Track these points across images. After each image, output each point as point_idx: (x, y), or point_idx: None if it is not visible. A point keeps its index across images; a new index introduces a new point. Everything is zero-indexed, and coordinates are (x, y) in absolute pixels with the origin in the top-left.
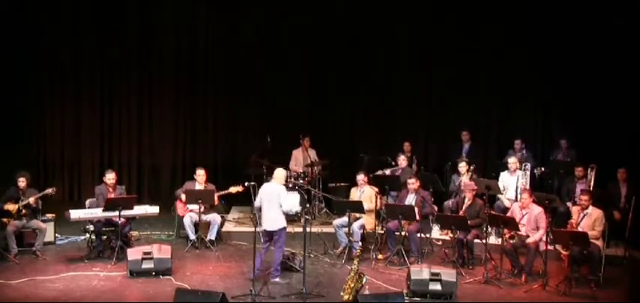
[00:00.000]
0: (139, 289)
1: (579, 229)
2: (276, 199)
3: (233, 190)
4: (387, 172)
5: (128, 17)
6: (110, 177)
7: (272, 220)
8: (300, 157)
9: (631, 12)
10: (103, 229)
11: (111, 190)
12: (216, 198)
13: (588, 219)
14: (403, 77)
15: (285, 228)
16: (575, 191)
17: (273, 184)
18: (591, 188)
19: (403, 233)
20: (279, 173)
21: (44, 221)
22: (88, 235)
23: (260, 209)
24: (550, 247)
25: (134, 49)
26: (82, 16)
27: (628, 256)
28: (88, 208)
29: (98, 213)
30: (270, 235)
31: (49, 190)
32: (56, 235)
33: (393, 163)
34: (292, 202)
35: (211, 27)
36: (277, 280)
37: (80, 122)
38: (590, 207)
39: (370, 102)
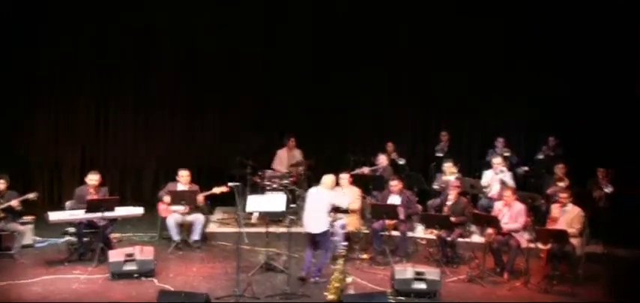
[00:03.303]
0: (122, 291)
1: (558, 225)
2: (319, 204)
3: (217, 190)
4: (366, 170)
5: (121, 19)
6: (92, 178)
7: (313, 223)
8: (285, 157)
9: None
10: (85, 230)
11: (92, 191)
12: (201, 198)
13: (567, 216)
14: (389, 78)
15: (327, 231)
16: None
17: (319, 189)
18: None
19: (388, 233)
20: (327, 179)
21: (23, 224)
22: (68, 238)
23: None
24: (531, 245)
25: (116, 52)
26: (59, 19)
27: (607, 253)
28: (68, 209)
29: (80, 215)
30: (312, 238)
31: (31, 195)
32: (34, 237)
33: (375, 163)
34: (347, 198)
35: (201, 28)
36: (317, 279)
37: (59, 123)
38: (569, 204)
39: (357, 102)
